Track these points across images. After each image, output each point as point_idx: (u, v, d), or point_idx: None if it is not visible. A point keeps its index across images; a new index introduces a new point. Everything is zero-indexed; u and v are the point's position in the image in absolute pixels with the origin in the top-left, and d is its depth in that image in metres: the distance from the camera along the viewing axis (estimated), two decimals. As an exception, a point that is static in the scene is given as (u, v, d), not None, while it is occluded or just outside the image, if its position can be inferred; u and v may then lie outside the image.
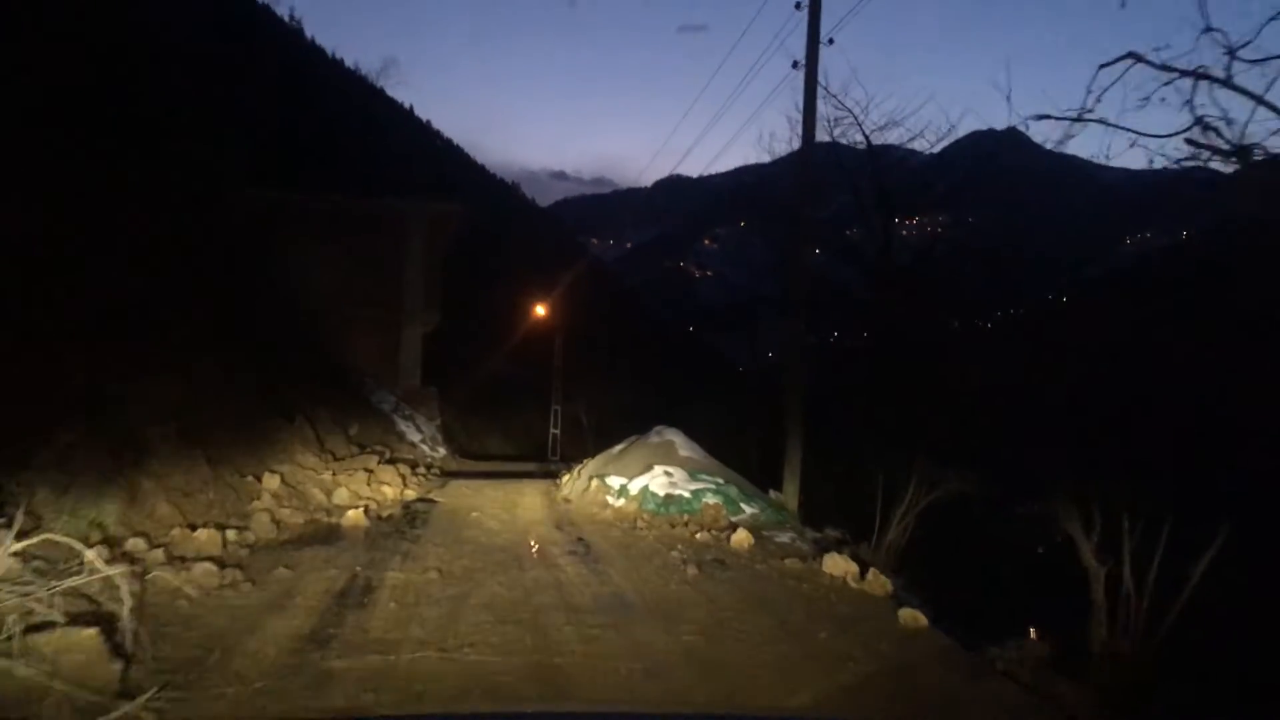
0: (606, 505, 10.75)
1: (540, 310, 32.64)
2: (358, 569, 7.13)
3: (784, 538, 9.27)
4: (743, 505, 10.38)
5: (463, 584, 6.76)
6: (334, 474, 11.87)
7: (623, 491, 10.85)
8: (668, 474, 10.86)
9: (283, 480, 10.30)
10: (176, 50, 19.21)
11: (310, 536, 8.61)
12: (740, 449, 17.52)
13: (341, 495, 10.98)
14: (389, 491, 11.77)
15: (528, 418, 35.71)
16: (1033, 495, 8.43)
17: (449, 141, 77.80)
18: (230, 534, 7.82)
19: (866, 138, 23.33)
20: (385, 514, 10.76)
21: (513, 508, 11.29)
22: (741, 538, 8.62)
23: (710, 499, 10.28)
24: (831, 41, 11.85)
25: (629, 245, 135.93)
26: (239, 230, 21.13)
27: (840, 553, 7.73)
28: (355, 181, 30.01)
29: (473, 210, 31.11)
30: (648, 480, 10.78)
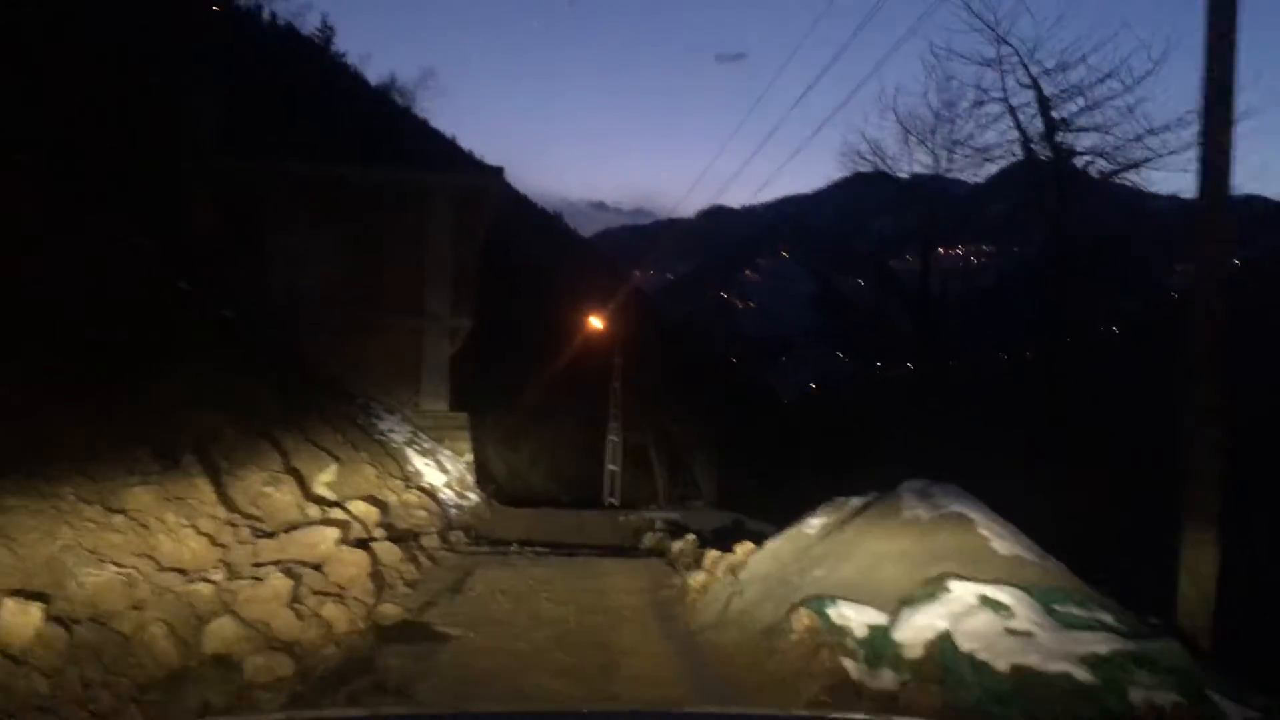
0: (843, 675, 4.36)
1: (596, 323, 26.93)
2: None
3: None
4: (1216, 700, 3.91)
5: None
6: (228, 575, 5.64)
7: (881, 645, 4.43)
8: (989, 603, 4.44)
9: (50, 616, 4.11)
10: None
11: None
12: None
13: (224, 633, 4.78)
14: (336, 617, 5.47)
15: (576, 451, 29.94)
16: None
17: (493, 173, 73.25)
18: None
19: (1034, 81, 17.49)
20: (307, 688, 4.57)
21: (607, 670, 4.94)
22: None
23: (1146, 688, 3.84)
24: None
25: (669, 276, 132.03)
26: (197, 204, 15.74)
27: None
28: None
29: (505, 188, 25.44)
30: (944, 618, 4.37)
